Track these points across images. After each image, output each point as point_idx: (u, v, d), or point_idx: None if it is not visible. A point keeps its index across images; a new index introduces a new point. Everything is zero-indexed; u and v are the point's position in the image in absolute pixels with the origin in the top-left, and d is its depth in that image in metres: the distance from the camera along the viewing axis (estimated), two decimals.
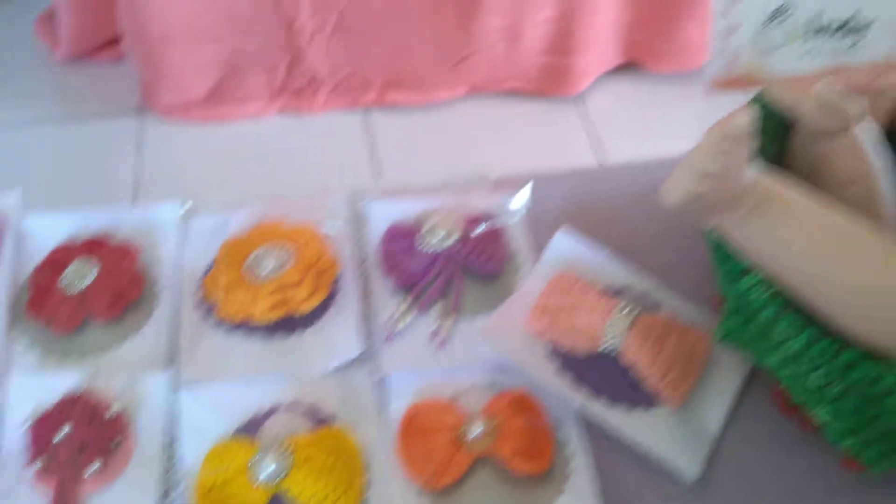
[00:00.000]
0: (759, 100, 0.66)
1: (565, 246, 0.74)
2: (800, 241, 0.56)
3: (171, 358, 0.70)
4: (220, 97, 1.76)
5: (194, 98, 1.75)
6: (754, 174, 0.57)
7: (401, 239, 0.73)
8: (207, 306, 0.71)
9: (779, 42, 0.59)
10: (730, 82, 0.60)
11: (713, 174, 0.54)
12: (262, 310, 0.68)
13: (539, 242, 0.75)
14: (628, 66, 1.89)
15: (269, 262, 0.70)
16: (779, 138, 0.68)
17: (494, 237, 0.74)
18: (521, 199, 0.78)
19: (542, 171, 0.81)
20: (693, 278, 0.72)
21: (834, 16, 0.58)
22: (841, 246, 0.56)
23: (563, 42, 1.80)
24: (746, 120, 0.53)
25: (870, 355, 0.55)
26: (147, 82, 1.75)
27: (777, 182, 0.58)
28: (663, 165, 0.75)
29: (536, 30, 1.77)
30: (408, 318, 0.71)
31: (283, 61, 1.74)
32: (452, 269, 0.72)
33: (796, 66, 0.59)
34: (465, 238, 0.73)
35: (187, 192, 1.59)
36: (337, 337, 0.70)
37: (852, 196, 0.62)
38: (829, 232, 0.56)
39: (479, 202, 0.77)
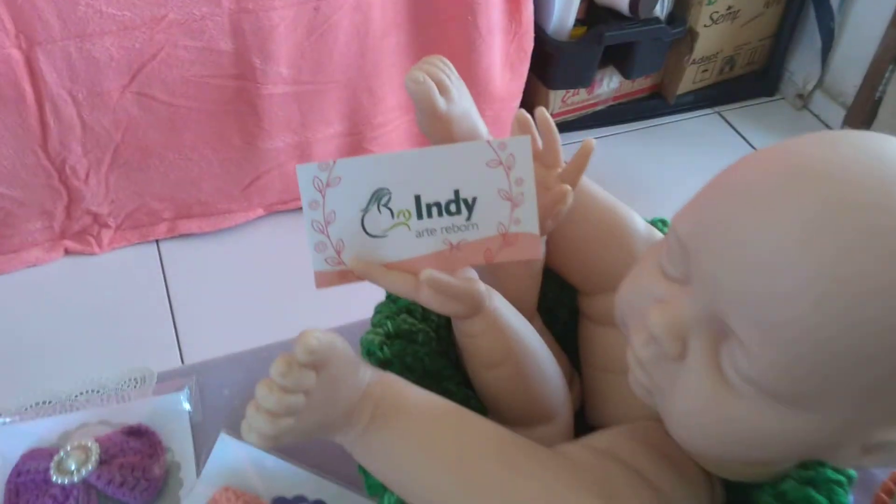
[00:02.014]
0: None
1: (229, 453, 0.62)
2: (415, 457, 0.46)
3: None
4: None
5: None
6: (363, 387, 0.48)
7: (30, 473, 0.60)
8: None
9: (387, 224, 0.50)
10: (340, 276, 0.51)
11: (291, 410, 0.44)
12: None
13: (207, 448, 0.63)
14: None
15: None
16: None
17: (149, 452, 0.62)
18: (184, 399, 0.66)
19: None
20: None
21: (433, 199, 0.50)
22: (454, 460, 0.46)
23: (356, 154, 1.72)
24: (316, 342, 0.43)
25: None
26: None
27: (393, 390, 0.48)
28: (352, 329, 0.66)
29: (327, 145, 1.69)
30: None
31: (60, 204, 1.60)
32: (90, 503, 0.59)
33: (413, 248, 0.50)
34: (108, 461, 0.60)
35: None
36: None
37: (501, 377, 0.53)
38: (444, 446, 0.46)
39: (136, 409, 0.65)
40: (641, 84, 1.91)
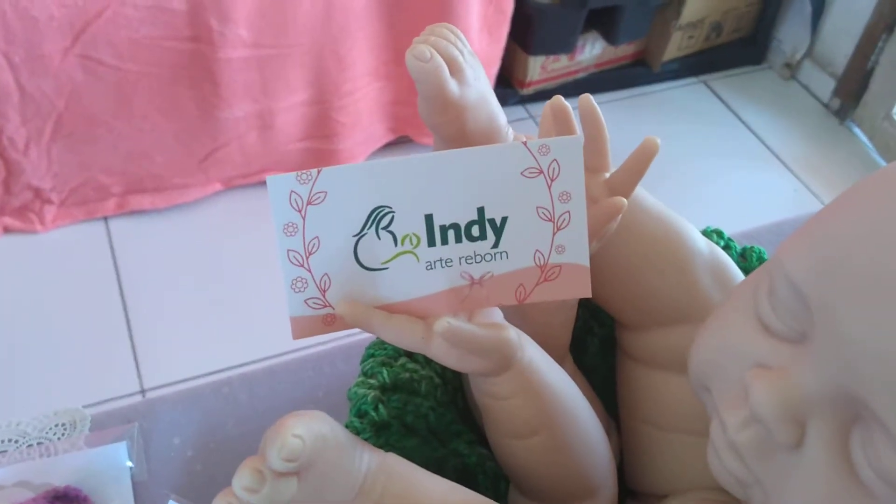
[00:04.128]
0: None
1: None
2: None
3: None
4: None
5: None
6: (359, 483, 0.35)
7: None
8: None
9: (388, 254, 0.37)
10: (326, 322, 0.38)
11: None
12: None
13: None
14: (404, 140, 1.69)
15: None
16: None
17: None
18: (125, 452, 0.52)
19: None
20: None
21: (450, 219, 0.37)
22: None
23: (322, 125, 1.58)
24: (299, 444, 0.30)
25: None
26: None
27: (396, 485, 0.35)
28: (324, 357, 0.52)
29: (290, 114, 1.55)
30: None
31: None
32: None
33: (422, 284, 0.37)
34: None
35: None
36: None
37: (533, 448, 0.40)
38: None
39: (63, 466, 0.51)
40: (625, 50, 1.78)
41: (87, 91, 1.39)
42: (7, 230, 1.48)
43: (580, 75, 1.75)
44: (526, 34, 1.62)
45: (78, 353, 1.31)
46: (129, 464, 0.52)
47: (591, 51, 1.72)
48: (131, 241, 1.50)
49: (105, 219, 1.53)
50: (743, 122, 1.78)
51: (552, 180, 0.36)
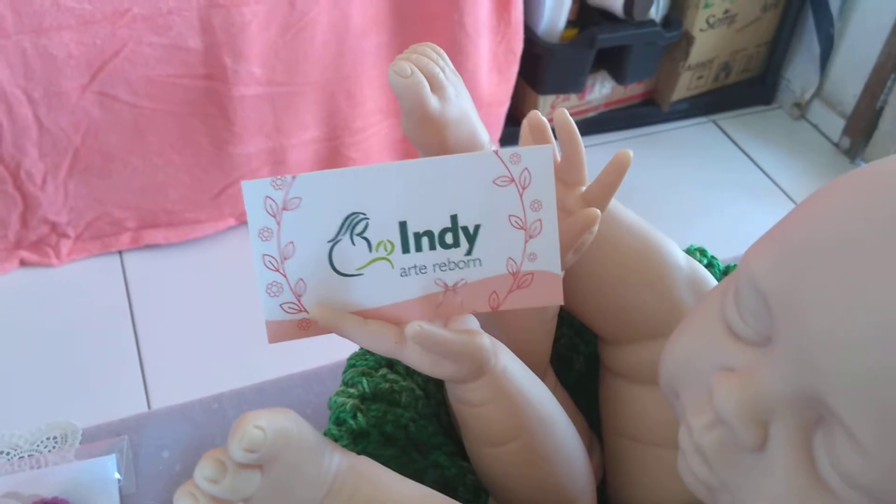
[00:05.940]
0: None
1: None
2: None
3: None
4: None
5: None
6: (328, 483, 0.35)
7: None
8: None
9: (362, 260, 0.38)
10: (301, 326, 0.38)
11: None
12: None
13: None
14: None
15: None
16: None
17: None
18: (113, 464, 0.53)
19: None
20: None
21: (424, 226, 0.37)
22: None
23: (333, 162, 1.59)
24: (260, 435, 0.31)
25: None
26: None
27: (365, 489, 0.36)
28: (313, 376, 0.53)
29: (302, 151, 1.57)
30: None
31: (15, 212, 1.47)
32: None
33: (396, 291, 0.38)
34: None
35: None
36: None
37: (509, 456, 0.40)
38: None
39: (53, 477, 0.51)
40: (634, 90, 1.79)
41: (103, 127, 1.42)
42: (23, 263, 1.51)
43: (590, 114, 1.77)
44: (535, 73, 1.64)
45: (89, 385, 1.32)
46: (118, 476, 0.52)
47: (601, 90, 1.74)
48: (145, 275, 1.52)
49: (120, 253, 1.55)
50: (753, 162, 1.79)
51: (524, 188, 0.37)
